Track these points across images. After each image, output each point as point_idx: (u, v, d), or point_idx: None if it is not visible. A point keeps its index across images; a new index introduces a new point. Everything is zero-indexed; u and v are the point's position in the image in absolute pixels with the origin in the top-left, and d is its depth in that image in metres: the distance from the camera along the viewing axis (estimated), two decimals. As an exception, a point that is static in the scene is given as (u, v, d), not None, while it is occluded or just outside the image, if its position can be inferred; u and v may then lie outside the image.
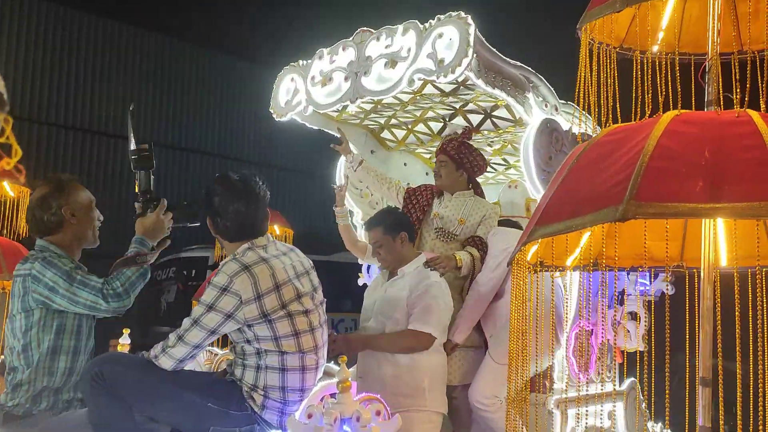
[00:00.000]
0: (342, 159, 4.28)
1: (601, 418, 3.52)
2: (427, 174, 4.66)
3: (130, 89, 11.62)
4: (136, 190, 2.61)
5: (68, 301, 2.46)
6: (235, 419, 2.33)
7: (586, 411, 3.36)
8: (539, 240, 2.51)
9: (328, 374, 2.67)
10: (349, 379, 2.27)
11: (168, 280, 9.97)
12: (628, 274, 3.60)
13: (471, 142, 3.81)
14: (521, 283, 2.43)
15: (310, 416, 2.23)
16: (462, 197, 3.73)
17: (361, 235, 4.32)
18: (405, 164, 4.59)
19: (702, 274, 2.26)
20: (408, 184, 4.58)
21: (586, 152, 2.18)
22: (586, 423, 3.48)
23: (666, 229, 2.36)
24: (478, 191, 3.81)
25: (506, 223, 3.75)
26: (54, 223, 2.59)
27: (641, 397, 3.98)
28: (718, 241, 2.54)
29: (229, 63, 13.11)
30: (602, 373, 3.69)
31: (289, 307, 2.38)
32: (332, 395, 2.46)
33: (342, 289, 7.88)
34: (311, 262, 2.63)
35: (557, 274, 3.30)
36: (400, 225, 3.42)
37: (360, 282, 4.46)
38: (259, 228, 2.48)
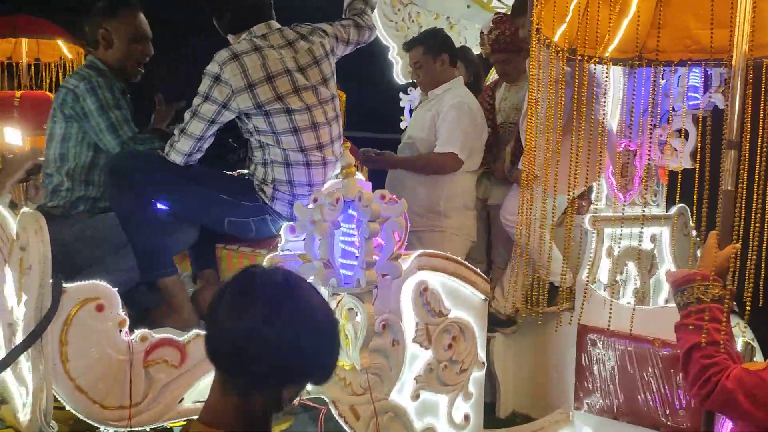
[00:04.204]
0: None
1: (640, 242, 3.39)
2: (468, 6, 4.40)
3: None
4: None
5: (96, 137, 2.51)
6: (246, 210, 2.40)
7: (621, 232, 3.23)
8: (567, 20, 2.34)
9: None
10: (354, 165, 2.27)
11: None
12: (678, 82, 3.35)
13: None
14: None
15: (315, 200, 2.27)
16: (517, 86, 3.50)
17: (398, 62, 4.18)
18: (444, -5, 4.34)
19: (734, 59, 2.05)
20: (448, 18, 4.37)
21: None
22: (629, 244, 3.37)
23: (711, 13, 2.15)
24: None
25: None
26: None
27: (691, 224, 3.81)
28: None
29: None
30: (646, 195, 3.51)
31: (286, 100, 2.34)
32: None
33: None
34: (328, 48, 2.50)
35: (596, 68, 3.07)
36: (442, 46, 3.30)
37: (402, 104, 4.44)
38: (256, 15, 2.42)
